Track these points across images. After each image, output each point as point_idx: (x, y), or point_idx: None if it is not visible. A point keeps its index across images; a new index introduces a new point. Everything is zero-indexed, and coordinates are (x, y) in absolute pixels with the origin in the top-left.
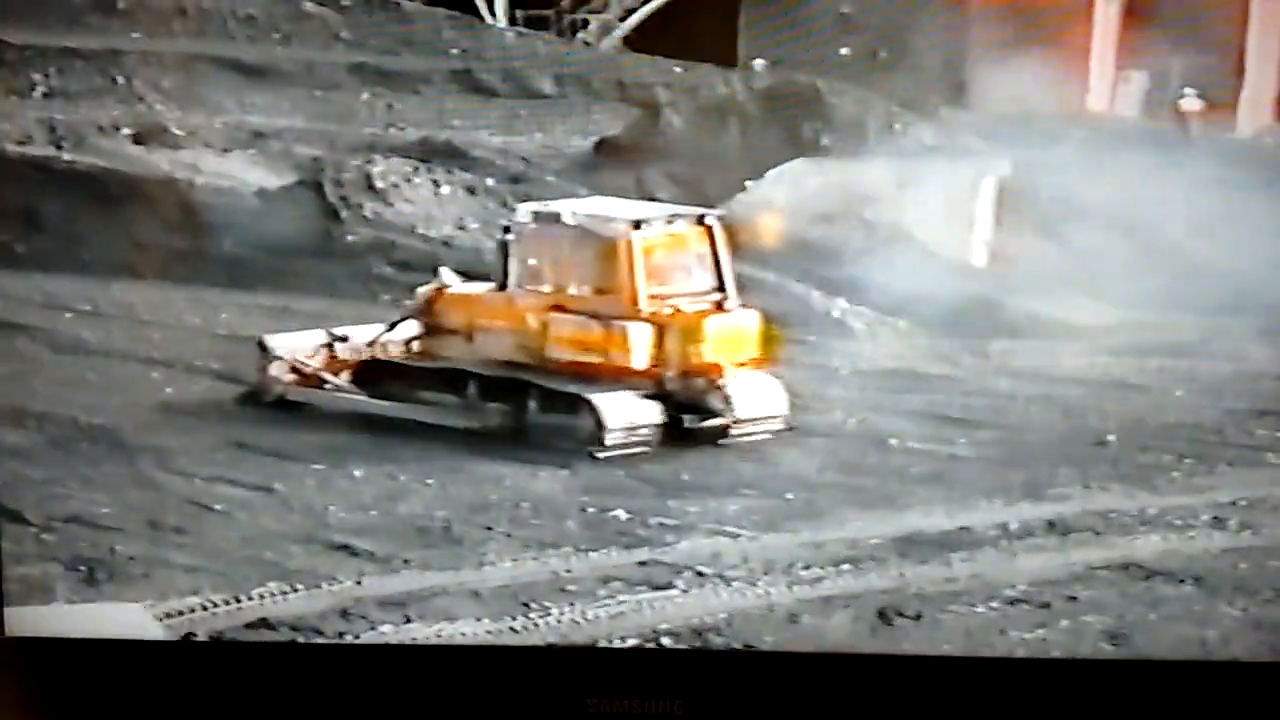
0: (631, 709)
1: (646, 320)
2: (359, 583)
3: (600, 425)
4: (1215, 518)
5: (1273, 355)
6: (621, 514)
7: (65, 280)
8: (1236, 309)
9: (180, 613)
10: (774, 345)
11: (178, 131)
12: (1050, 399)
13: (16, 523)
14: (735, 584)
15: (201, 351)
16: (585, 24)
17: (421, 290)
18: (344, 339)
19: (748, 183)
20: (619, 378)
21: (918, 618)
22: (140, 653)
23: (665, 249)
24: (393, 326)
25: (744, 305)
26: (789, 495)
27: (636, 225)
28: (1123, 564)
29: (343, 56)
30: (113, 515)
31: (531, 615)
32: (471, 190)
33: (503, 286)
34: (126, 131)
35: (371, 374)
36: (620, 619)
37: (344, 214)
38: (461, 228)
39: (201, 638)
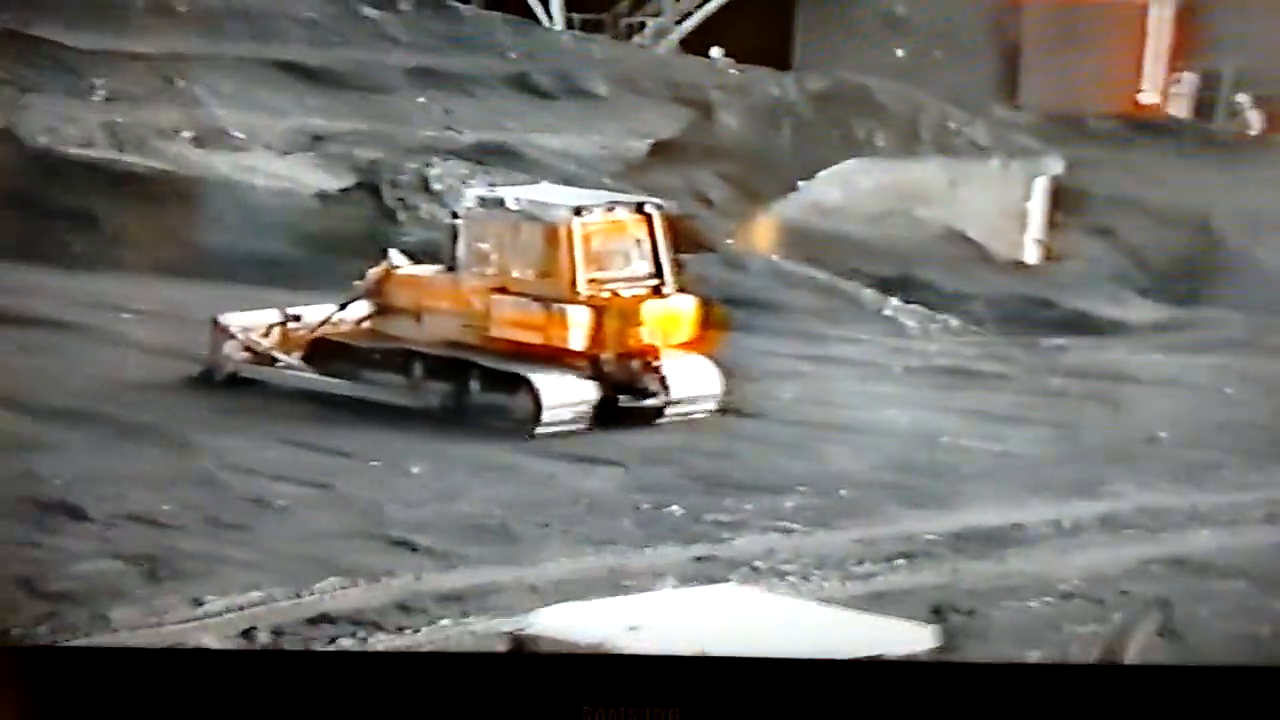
0: (628, 717)
1: (585, 303)
2: (418, 578)
3: (538, 404)
4: (1267, 514)
5: None
6: (676, 510)
7: (125, 281)
8: None
9: (242, 608)
10: (711, 329)
11: (238, 135)
12: (1102, 396)
13: (79, 520)
14: (790, 579)
15: None
16: (641, 27)
17: (372, 271)
18: (297, 318)
19: (800, 183)
20: (558, 359)
21: (971, 613)
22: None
23: (605, 235)
24: (344, 306)
25: (680, 290)
26: (842, 492)
27: (577, 211)
28: (1174, 560)
29: (400, 60)
30: (173, 513)
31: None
32: None
33: (451, 269)
34: (187, 135)
35: (322, 353)
36: None
37: (401, 215)
38: None
39: (263, 633)
